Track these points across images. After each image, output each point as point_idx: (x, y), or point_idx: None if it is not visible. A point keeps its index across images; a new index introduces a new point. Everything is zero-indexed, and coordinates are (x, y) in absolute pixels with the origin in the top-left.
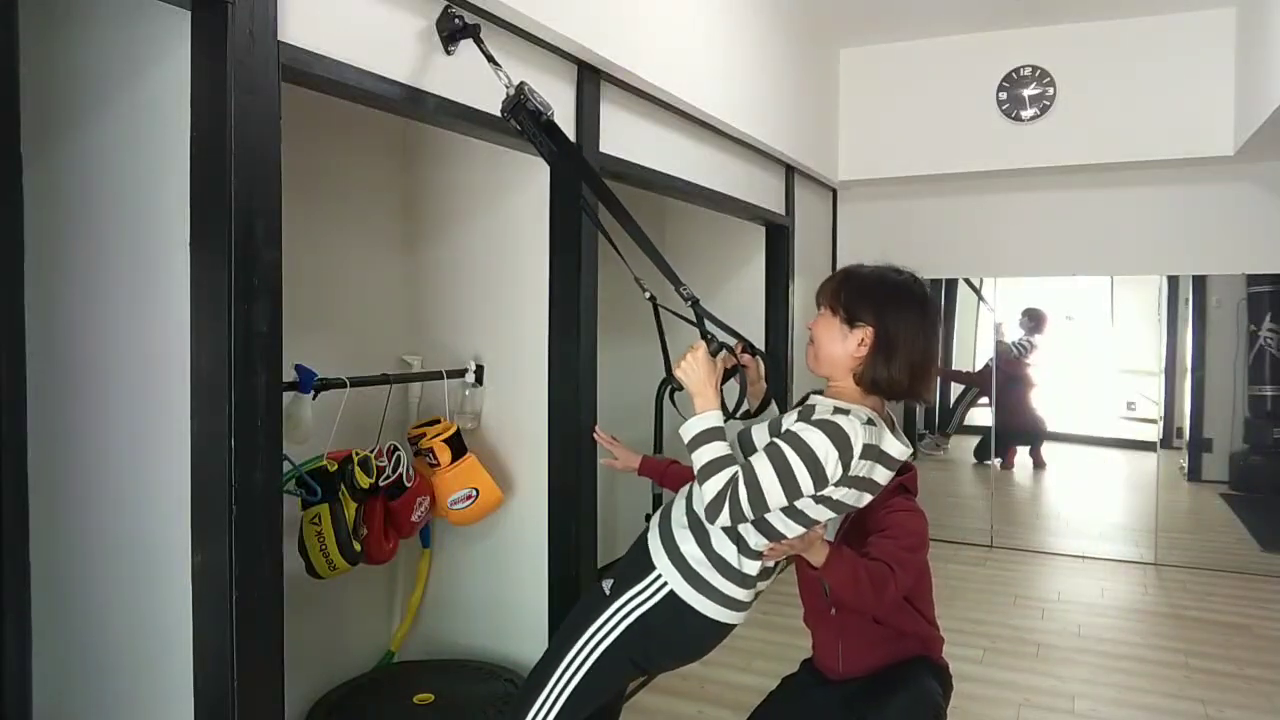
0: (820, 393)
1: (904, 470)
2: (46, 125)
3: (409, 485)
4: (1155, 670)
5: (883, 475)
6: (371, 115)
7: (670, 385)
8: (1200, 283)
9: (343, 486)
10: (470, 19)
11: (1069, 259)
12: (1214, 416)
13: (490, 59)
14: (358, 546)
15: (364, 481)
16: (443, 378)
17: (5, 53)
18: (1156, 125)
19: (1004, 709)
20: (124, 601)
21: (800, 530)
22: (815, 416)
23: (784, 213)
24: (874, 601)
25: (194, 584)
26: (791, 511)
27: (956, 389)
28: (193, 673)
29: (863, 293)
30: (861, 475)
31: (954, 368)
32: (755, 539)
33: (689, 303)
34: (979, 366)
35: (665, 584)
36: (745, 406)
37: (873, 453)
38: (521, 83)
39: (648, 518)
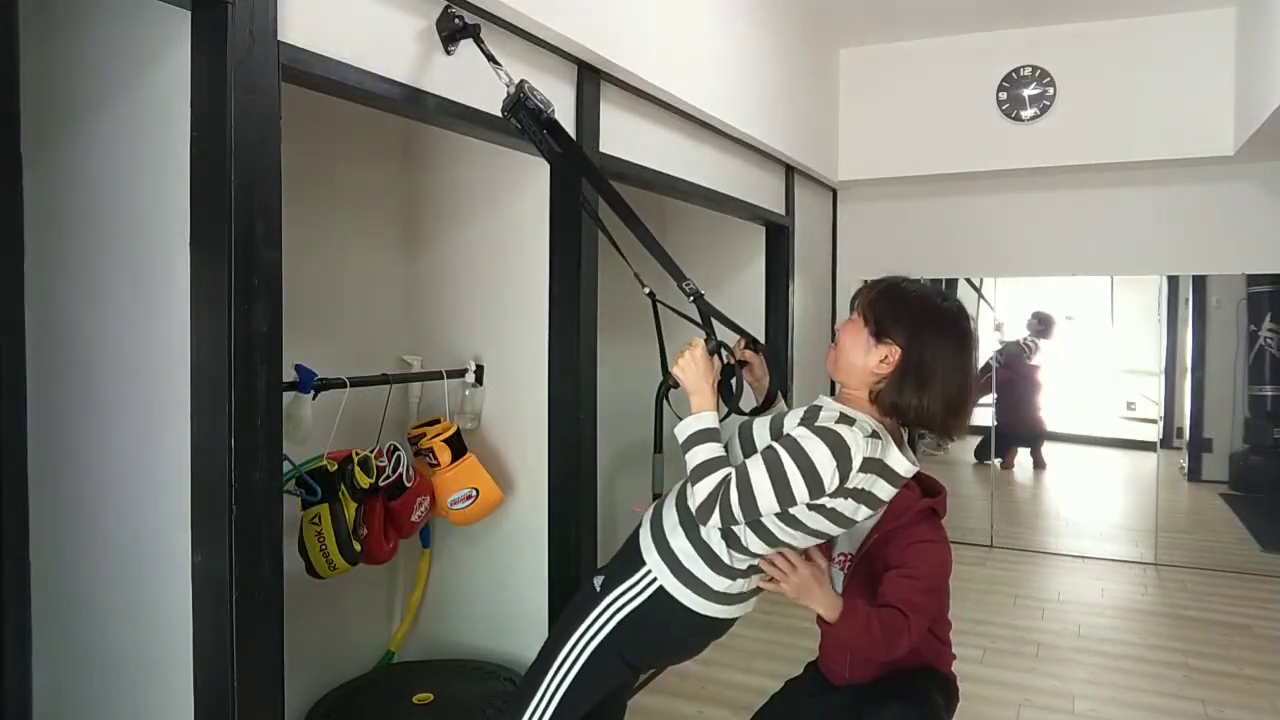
0: (831, 396)
1: (934, 492)
2: (46, 125)
3: (409, 485)
4: (1155, 670)
5: (885, 490)
6: (372, 115)
7: (666, 384)
8: (1200, 283)
9: (343, 486)
10: (470, 19)
11: (1069, 259)
12: (1214, 416)
13: (490, 58)
14: (358, 546)
15: (364, 481)
16: (443, 378)
17: (5, 53)
18: (1156, 125)
19: (1004, 709)
20: (124, 601)
21: (796, 536)
22: (818, 422)
23: (784, 213)
24: (886, 653)
25: (194, 584)
26: (785, 517)
27: None
28: (193, 673)
29: (898, 309)
30: (861, 488)
31: None
32: (750, 539)
33: (691, 298)
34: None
35: (655, 579)
36: (754, 404)
37: (874, 466)
38: (522, 81)
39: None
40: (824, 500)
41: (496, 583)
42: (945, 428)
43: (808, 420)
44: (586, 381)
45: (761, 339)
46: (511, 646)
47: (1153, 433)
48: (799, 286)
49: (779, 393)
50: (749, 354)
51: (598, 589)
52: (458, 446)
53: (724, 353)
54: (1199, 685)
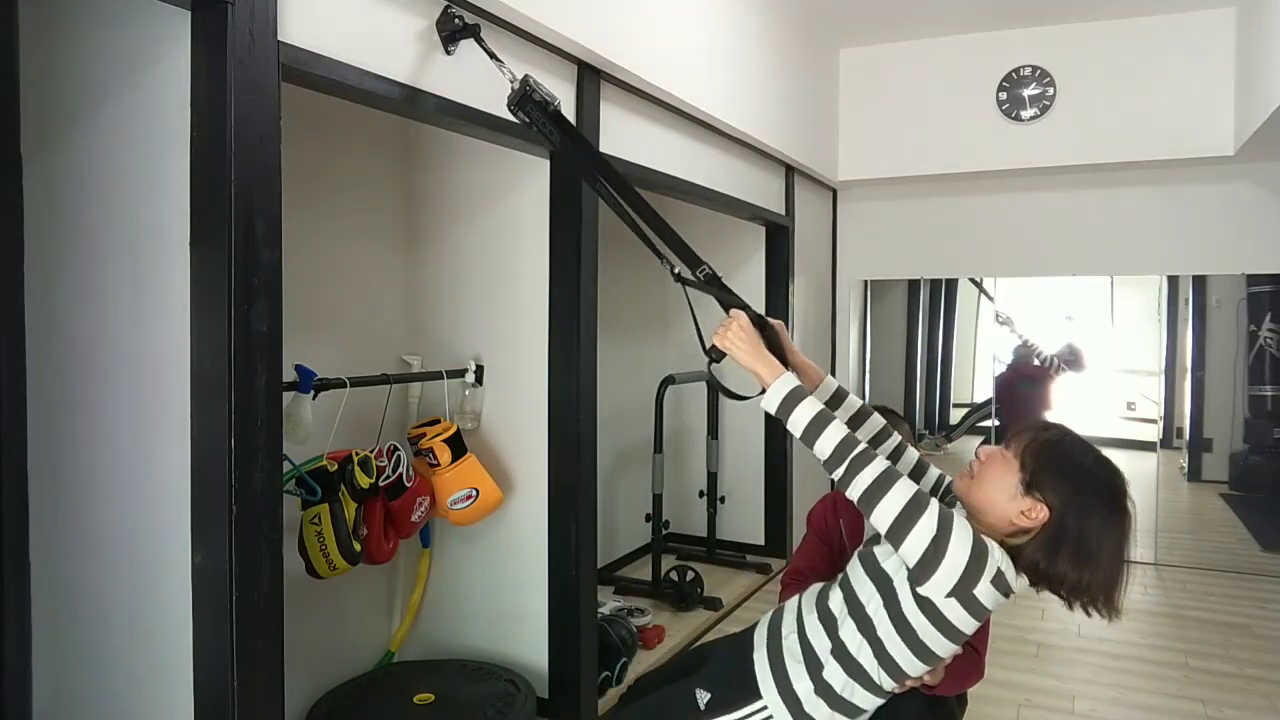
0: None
1: None
2: (46, 125)
3: (409, 485)
4: (1155, 670)
5: (996, 603)
6: (372, 115)
7: (710, 359)
8: (1200, 283)
9: (343, 486)
10: (470, 19)
11: (1069, 259)
12: (1214, 416)
13: (492, 55)
14: (358, 546)
15: (364, 481)
16: (443, 378)
17: (5, 53)
18: (1156, 125)
19: (1004, 709)
20: (124, 601)
21: (915, 661)
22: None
23: (784, 213)
24: (963, 686)
25: (194, 584)
26: (898, 620)
27: (955, 391)
28: (193, 673)
29: (1061, 468)
30: (979, 598)
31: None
32: (880, 676)
33: (706, 282)
34: (978, 371)
35: (770, 717)
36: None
37: (1001, 583)
38: (526, 75)
39: (647, 518)
40: (933, 594)
41: (496, 583)
42: (1096, 603)
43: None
44: (586, 381)
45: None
46: (511, 647)
47: (1153, 433)
48: (799, 286)
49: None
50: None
51: (701, 706)
52: (458, 446)
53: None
54: (1199, 685)
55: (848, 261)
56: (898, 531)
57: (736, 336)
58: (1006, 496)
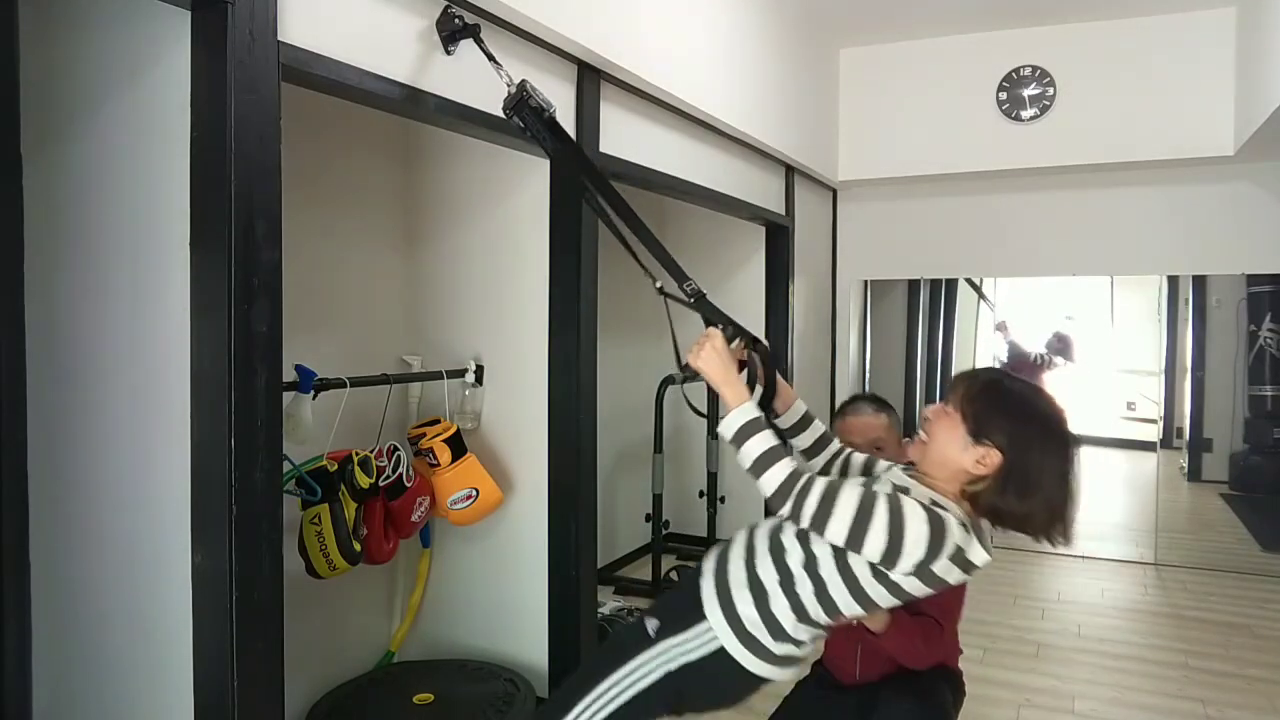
0: (907, 468)
1: None
2: (46, 125)
3: (409, 485)
4: (1155, 670)
5: (957, 578)
6: (372, 115)
7: (683, 375)
8: (1200, 283)
9: (343, 486)
10: (470, 19)
11: (1069, 259)
12: (1214, 416)
13: (491, 58)
14: (358, 546)
15: (364, 481)
16: (443, 378)
17: (5, 53)
18: (1156, 125)
19: (1004, 709)
20: (124, 601)
21: (854, 606)
22: (914, 496)
23: (784, 213)
24: (925, 658)
25: (194, 584)
26: (845, 570)
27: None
28: (193, 673)
29: (1000, 409)
30: (937, 574)
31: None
32: (819, 614)
33: (692, 298)
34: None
35: (715, 638)
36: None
37: (959, 558)
38: (523, 80)
39: (647, 518)
40: (895, 575)
41: (496, 583)
42: (1047, 532)
43: (906, 490)
44: (586, 381)
45: (761, 339)
46: (511, 646)
47: (1153, 433)
48: (799, 286)
49: (770, 394)
50: (748, 354)
51: (651, 634)
52: (458, 446)
53: (739, 341)
54: (1199, 685)
55: (848, 261)
56: (855, 542)
57: (708, 357)
58: (959, 449)
